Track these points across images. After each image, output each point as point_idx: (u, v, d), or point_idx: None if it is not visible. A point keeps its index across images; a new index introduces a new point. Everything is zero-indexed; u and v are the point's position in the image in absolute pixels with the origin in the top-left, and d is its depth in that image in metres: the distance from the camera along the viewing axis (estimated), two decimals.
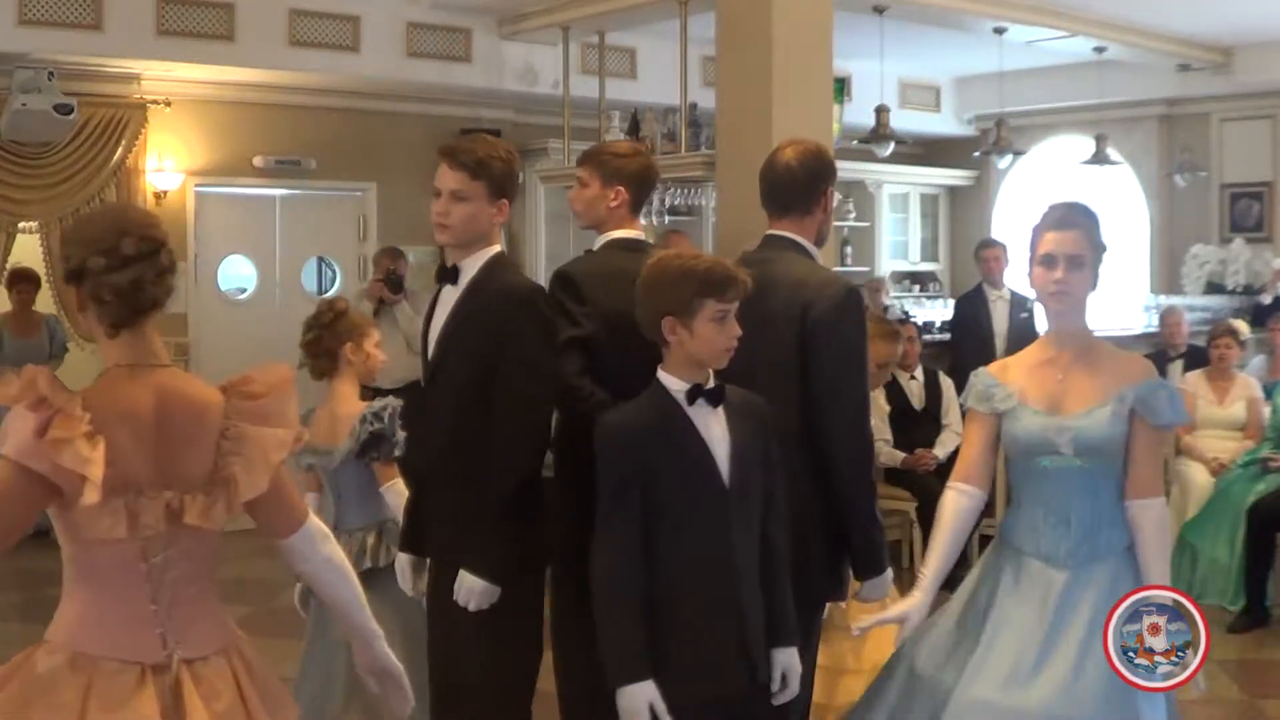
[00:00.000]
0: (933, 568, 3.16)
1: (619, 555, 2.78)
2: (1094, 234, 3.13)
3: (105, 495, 2.19)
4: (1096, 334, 3.25)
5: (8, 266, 8.40)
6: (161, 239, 2.42)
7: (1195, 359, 8.08)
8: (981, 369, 3.28)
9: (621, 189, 3.61)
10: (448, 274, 3.35)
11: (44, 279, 8.47)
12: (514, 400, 3.19)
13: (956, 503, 3.20)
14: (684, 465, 2.83)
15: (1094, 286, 3.14)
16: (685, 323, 2.82)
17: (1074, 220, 3.13)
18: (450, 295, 3.35)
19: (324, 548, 2.60)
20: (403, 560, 3.53)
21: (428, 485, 3.43)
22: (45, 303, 8.55)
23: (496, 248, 3.37)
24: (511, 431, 3.19)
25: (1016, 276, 8.68)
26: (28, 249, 8.51)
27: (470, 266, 3.32)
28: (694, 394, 2.86)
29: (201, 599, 2.41)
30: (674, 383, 2.87)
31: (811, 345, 3.24)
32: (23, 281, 8.42)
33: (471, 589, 3.18)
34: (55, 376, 2.27)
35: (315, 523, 2.61)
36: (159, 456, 2.31)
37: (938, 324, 9.68)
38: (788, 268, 3.36)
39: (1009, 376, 3.21)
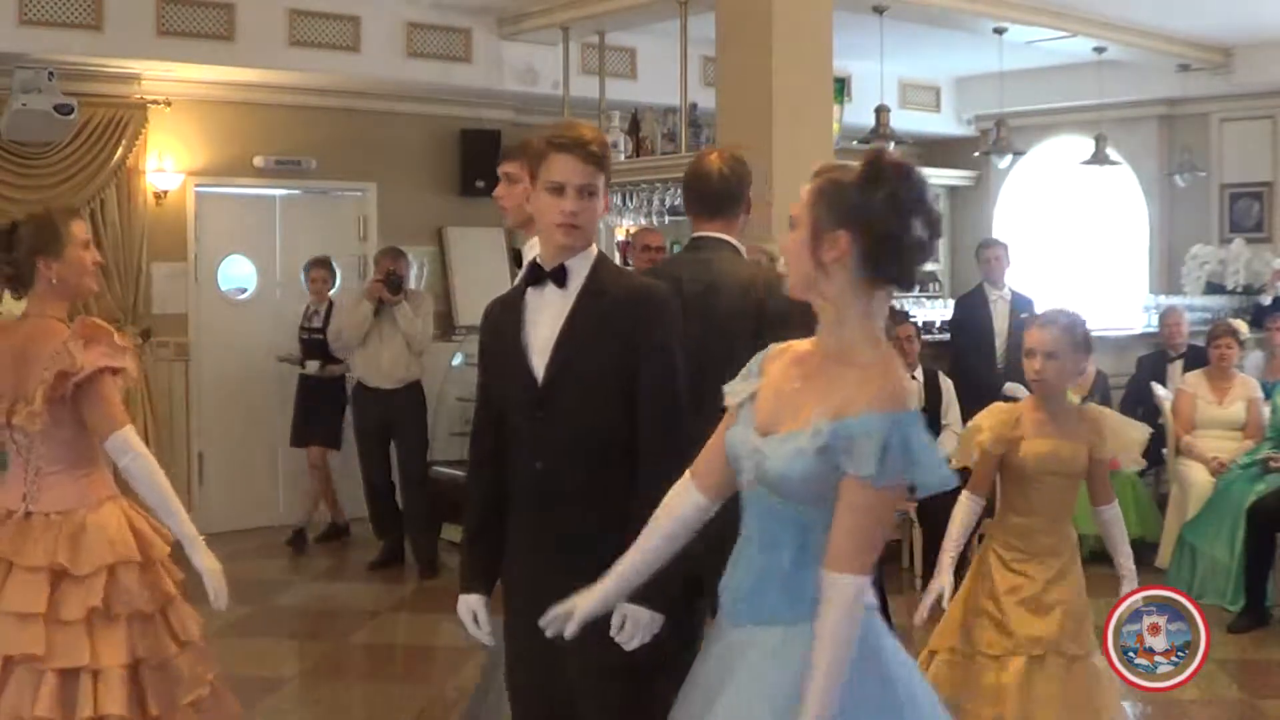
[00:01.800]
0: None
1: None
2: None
3: None
4: (893, 338, 2.92)
5: None
6: None
7: (1195, 359, 8.08)
8: (775, 343, 2.60)
9: None
10: (551, 275, 3.02)
11: None
12: (668, 408, 2.98)
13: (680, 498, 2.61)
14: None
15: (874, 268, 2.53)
16: None
17: None
18: (555, 298, 3.03)
19: (123, 459, 3.57)
20: (472, 603, 3.11)
21: (555, 507, 3.01)
22: None
23: (595, 245, 3.12)
24: (665, 440, 2.94)
25: (1017, 276, 8.70)
26: None
27: (579, 267, 3.02)
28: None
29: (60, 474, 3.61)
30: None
31: (766, 339, 3.28)
32: None
33: (639, 621, 2.84)
34: None
35: (122, 436, 3.58)
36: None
37: (938, 324, 9.67)
38: (732, 267, 3.63)
39: (774, 364, 2.53)
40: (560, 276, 3.00)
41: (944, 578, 3.95)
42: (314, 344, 8.46)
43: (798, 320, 3.39)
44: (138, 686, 3.49)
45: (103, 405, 3.54)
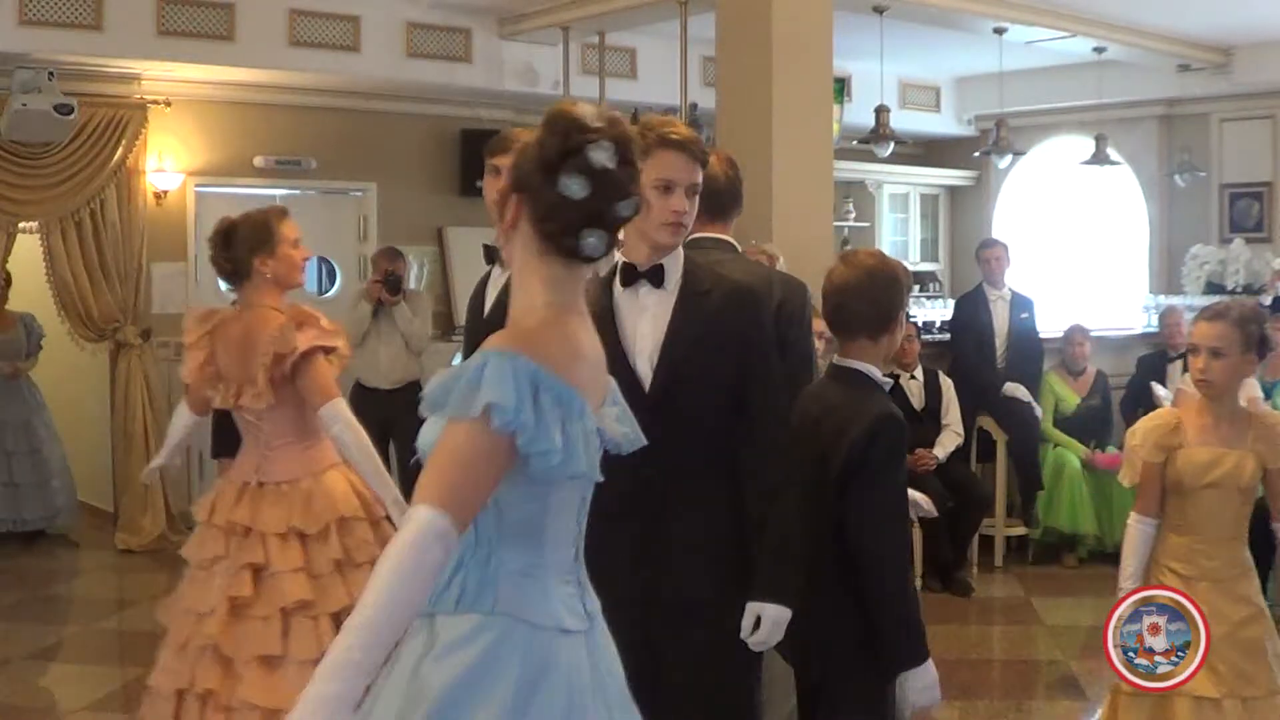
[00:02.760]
0: None
1: None
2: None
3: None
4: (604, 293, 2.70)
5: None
6: None
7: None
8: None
9: None
10: (647, 275, 2.97)
11: (44, 278, 8.46)
12: (776, 408, 2.98)
13: None
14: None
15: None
16: None
17: None
18: (651, 299, 2.98)
19: (333, 427, 3.94)
20: None
21: (666, 514, 2.93)
22: (44, 303, 8.57)
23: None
24: (778, 438, 2.94)
25: (1017, 276, 8.69)
26: (28, 249, 8.51)
27: (673, 266, 2.99)
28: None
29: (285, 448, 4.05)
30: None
31: (784, 338, 3.35)
32: None
33: (777, 620, 2.85)
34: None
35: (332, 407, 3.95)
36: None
37: (938, 324, 9.67)
38: (745, 266, 3.64)
39: None
40: (658, 276, 2.95)
41: (1129, 579, 3.60)
42: None
43: (807, 319, 3.52)
44: None
45: (315, 380, 3.95)
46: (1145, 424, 3.75)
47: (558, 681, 2.04)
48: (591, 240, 2.08)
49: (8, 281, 8.53)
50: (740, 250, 3.78)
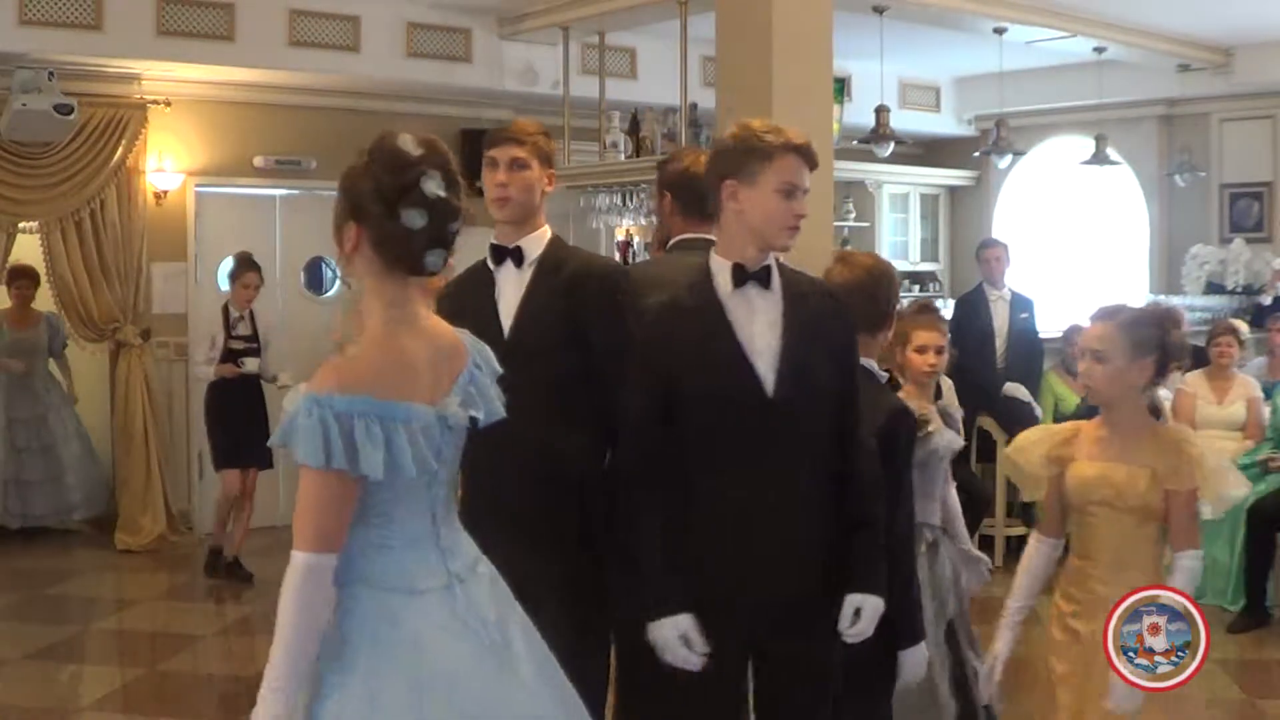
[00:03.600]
0: None
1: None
2: None
3: None
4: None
5: (7, 264, 8.43)
6: None
7: (1195, 359, 8.07)
8: None
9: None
10: (755, 276, 2.99)
11: (44, 278, 8.48)
12: (860, 407, 3.13)
13: None
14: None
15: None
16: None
17: None
18: (763, 301, 3.00)
19: None
20: (683, 624, 2.87)
21: (790, 514, 2.93)
22: (45, 302, 8.58)
23: None
24: (867, 439, 3.10)
25: (1017, 276, 8.70)
26: (28, 249, 8.51)
27: (773, 266, 3.07)
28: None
29: None
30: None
31: None
32: (22, 278, 8.52)
33: (877, 609, 2.94)
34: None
35: None
36: None
37: None
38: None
39: None
40: (766, 277, 2.97)
41: (998, 644, 3.41)
42: (243, 355, 7.54)
43: None
44: None
45: None
46: (1035, 434, 3.50)
47: (401, 636, 2.28)
48: (433, 258, 2.36)
49: (35, 281, 8.55)
50: None
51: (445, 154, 2.38)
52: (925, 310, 4.10)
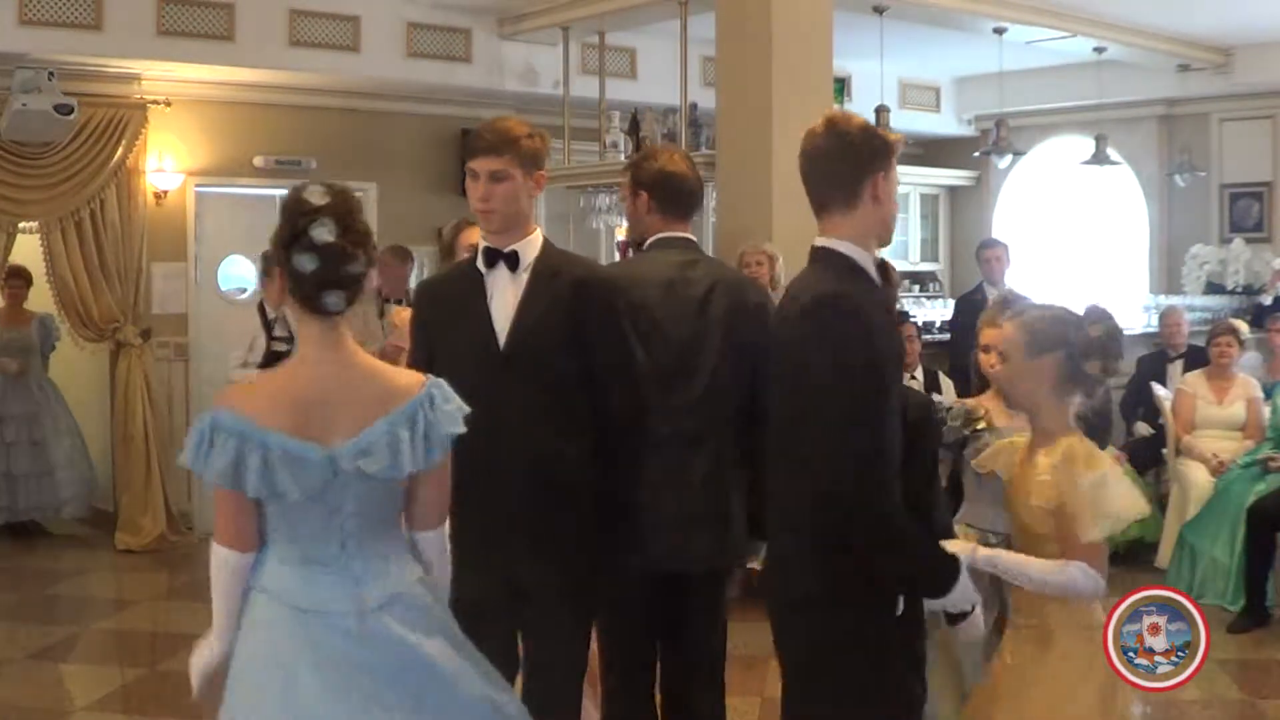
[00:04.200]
0: None
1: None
2: None
3: None
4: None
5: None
6: None
7: (1195, 359, 8.07)
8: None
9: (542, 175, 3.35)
10: (881, 270, 3.03)
11: (44, 278, 8.48)
12: None
13: None
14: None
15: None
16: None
17: None
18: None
19: None
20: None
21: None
22: (40, 303, 8.59)
23: None
24: None
25: (1017, 276, 8.69)
26: (28, 249, 8.51)
27: None
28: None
29: None
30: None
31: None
32: (14, 278, 8.57)
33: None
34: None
35: None
36: None
37: (938, 324, 9.67)
38: (720, 267, 3.75)
39: None
40: (886, 271, 3.01)
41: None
42: (286, 355, 7.14)
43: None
44: None
45: None
46: (1001, 446, 3.27)
47: (262, 639, 2.54)
48: (331, 299, 2.54)
49: (28, 282, 8.60)
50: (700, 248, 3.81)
51: (349, 205, 2.56)
52: (995, 306, 4.11)
